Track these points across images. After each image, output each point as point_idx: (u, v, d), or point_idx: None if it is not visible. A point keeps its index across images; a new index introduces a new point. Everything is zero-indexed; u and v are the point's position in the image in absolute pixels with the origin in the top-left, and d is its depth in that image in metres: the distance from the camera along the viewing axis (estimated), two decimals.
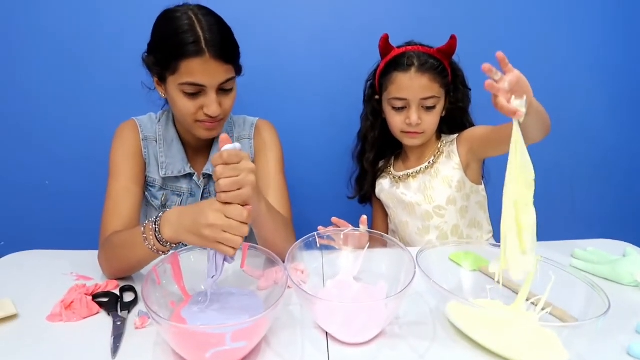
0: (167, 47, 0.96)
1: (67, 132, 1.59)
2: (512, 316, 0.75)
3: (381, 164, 1.41)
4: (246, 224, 0.75)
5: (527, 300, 0.77)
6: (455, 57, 1.26)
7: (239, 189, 0.75)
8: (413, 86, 1.17)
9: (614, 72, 1.70)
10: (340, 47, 1.59)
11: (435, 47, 1.21)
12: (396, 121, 1.23)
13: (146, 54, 1.03)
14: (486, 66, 0.73)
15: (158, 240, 0.83)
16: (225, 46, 0.97)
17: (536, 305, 0.77)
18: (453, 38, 1.17)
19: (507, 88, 0.73)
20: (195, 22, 0.95)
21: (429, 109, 1.20)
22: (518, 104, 0.73)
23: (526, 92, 0.76)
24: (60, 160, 1.61)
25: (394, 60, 1.21)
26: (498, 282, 0.87)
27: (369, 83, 1.34)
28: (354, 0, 1.57)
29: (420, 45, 1.23)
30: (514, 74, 0.74)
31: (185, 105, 1.00)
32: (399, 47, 1.23)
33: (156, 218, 0.83)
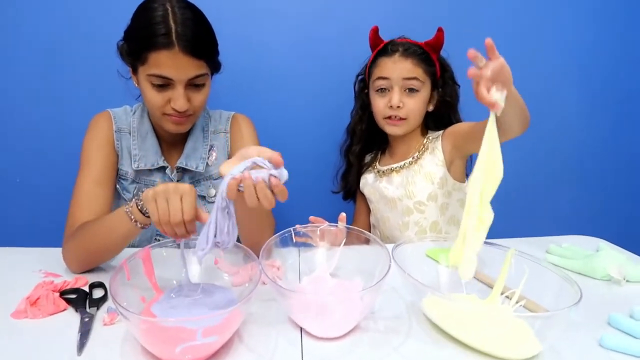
0: (138, 37, 0.96)
1: (40, 126, 1.54)
2: (486, 309, 0.75)
3: (367, 158, 1.42)
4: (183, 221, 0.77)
5: (502, 294, 0.77)
6: (444, 54, 1.29)
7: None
8: (396, 67, 1.21)
9: (589, 72, 1.73)
10: (327, 45, 1.59)
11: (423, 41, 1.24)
12: (379, 105, 1.25)
13: (121, 42, 1.02)
14: (471, 52, 0.73)
15: (137, 202, 0.82)
16: (197, 41, 0.95)
17: (510, 299, 0.77)
18: (440, 30, 1.20)
19: (489, 75, 0.72)
20: (170, 14, 0.93)
21: (412, 92, 1.21)
22: (498, 97, 0.72)
23: (508, 81, 0.76)
24: (32, 156, 1.56)
25: (381, 49, 1.26)
26: (473, 277, 0.88)
27: (359, 77, 1.37)
28: None
29: (410, 39, 1.26)
30: (498, 61, 0.73)
31: (153, 97, 0.98)
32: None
33: (138, 193, 0.84)
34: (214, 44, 1.03)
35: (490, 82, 0.73)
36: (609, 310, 0.78)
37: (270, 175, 0.73)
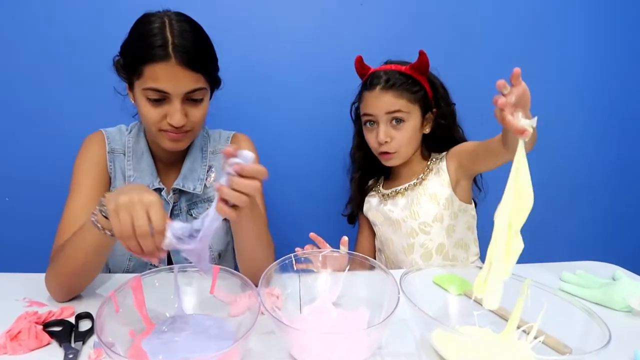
0: (134, 50, 0.92)
1: (32, 146, 1.49)
2: (504, 347, 0.70)
3: (370, 182, 1.40)
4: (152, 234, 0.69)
5: (518, 327, 0.72)
6: (435, 72, 1.26)
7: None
8: (378, 103, 1.19)
9: (599, 93, 1.69)
10: (324, 60, 1.56)
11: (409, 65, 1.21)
12: (369, 139, 1.26)
13: (117, 57, 0.98)
14: (500, 82, 0.70)
15: (101, 210, 0.76)
16: (195, 53, 0.92)
17: (527, 334, 0.71)
18: (421, 54, 1.17)
19: (514, 101, 0.70)
20: (167, 26, 0.90)
21: (397, 123, 1.19)
22: (526, 123, 0.69)
23: (527, 104, 0.74)
24: (23, 176, 1.51)
25: (365, 83, 1.25)
26: (486, 308, 0.83)
27: (354, 105, 1.36)
28: (339, 13, 1.53)
29: (397, 63, 1.24)
30: (521, 87, 0.72)
31: (148, 113, 0.94)
32: (375, 68, 1.25)
33: (101, 200, 0.77)
34: (213, 57, 0.99)
35: (513, 107, 0.71)
36: (633, 345, 0.72)
37: (233, 166, 0.70)
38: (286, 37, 1.53)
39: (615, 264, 1.07)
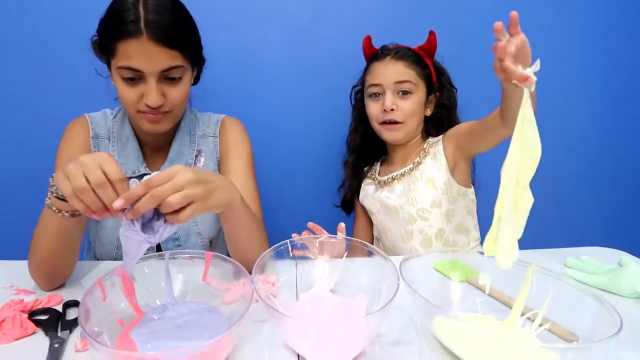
0: (107, 27, 0.89)
1: (14, 131, 1.46)
2: (508, 334, 0.67)
3: (365, 169, 1.37)
4: (110, 182, 0.63)
5: (522, 314, 0.69)
6: (439, 58, 1.26)
7: (188, 205, 0.66)
8: (387, 71, 1.18)
9: (598, 84, 1.66)
10: (321, 48, 1.52)
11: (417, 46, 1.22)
12: (373, 110, 1.22)
13: (95, 36, 0.94)
14: (498, 25, 0.67)
15: (51, 191, 0.73)
16: (170, 29, 0.87)
17: (532, 321, 0.69)
18: (431, 33, 1.19)
19: (514, 51, 0.67)
20: (141, 1, 0.86)
21: (405, 94, 1.18)
22: (528, 71, 0.65)
23: (527, 59, 0.71)
24: (6, 162, 1.48)
25: (373, 56, 1.24)
26: (489, 294, 0.80)
27: (355, 89, 1.35)
28: (336, 1, 1.49)
29: (402, 45, 1.23)
30: (520, 37, 0.69)
31: (124, 93, 0.91)
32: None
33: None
34: (191, 34, 0.95)
35: (513, 59, 0.67)
36: None
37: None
38: (282, 22, 1.49)
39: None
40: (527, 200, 0.65)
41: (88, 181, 0.62)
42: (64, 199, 0.72)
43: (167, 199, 0.63)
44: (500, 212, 0.66)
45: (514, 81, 0.67)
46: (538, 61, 0.66)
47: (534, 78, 0.65)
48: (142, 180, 0.65)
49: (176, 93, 0.93)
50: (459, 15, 1.52)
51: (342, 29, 1.50)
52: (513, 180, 0.65)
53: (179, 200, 0.64)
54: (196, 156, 1.07)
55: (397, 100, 1.17)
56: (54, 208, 0.75)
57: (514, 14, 0.67)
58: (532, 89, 0.65)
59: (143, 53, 0.85)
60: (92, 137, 1.03)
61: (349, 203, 1.41)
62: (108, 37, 0.88)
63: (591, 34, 1.61)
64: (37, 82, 1.43)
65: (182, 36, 0.90)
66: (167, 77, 0.90)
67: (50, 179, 0.73)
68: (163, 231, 0.67)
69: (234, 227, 0.86)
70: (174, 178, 0.65)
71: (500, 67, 0.68)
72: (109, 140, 1.04)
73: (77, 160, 0.64)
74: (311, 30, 1.50)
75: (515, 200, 0.66)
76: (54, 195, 0.73)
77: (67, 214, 0.75)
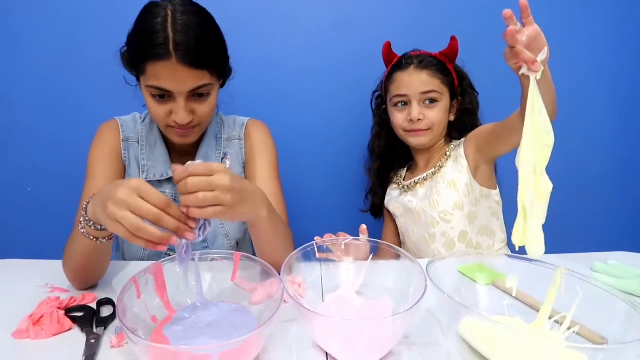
0: (136, 46, 0.90)
1: (51, 135, 1.51)
2: (537, 336, 0.67)
3: (391, 174, 1.38)
4: (162, 210, 0.64)
5: (550, 318, 0.69)
6: (460, 63, 1.26)
7: (214, 206, 0.67)
8: (412, 81, 1.18)
9: (624, 83, 1.64)
10: (342, 50, 1.53)
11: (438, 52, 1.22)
12: (398, 119, 1.23)
13: (124, 48, 0.96)
14: (507, 12, 0.67)
15: (86, 222, 0.74)
16: (198, 50, 0.87)
17: (561, 324, 0.68)
18: (453, 39, 1.20)
19: (525, 42, 0.67)
20: (169, 20, 0.85)
21: (431, 103, 1.18)
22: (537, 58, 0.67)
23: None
24: (44, 165, 1.52)
25: (395, 64, 1.24)
26: (515, 297, 0.80)
27: (376, 94, 1.35)
28: (356, 3, 1.51)
29: (423, 51, 1.24)
30: (534, 28, 0.69)
31: (154, 109, 0.93)
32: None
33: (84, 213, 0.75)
34: (220, 51, 0.95)
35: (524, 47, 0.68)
36: None
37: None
38: (303, 25, 1.51)
39: None
40: (547, 185, 0.67)
41: (141, 217, 0.63)
42: (100, 229, 0.74)
43: (197, 193, 0.65)
44: (523, 202, 0.68)
45: (521, 71, 0.68)
46: (546, 49, 0.68)
47: (541, 65, 0.66)
48: (185, 165, 0.67)
49: (204, 109, 0.95)
50: (480, 18, 1.52)
51: (363, 32, 1.51)
52: (531, 168, 0.67)
53: (207, 200, 0.66)
54: (222, 159, 1.09)
55: (424, 110, 1.19)
56: (91, 237, 0.76)
57: (524, 2, 0.67)
58: (539, 76, 0.66)
59: (172, 75, 0.86)
60: (123, 140, 1.06)
61: (378, 208, 1.42)
62: (137, 56, 0.89)
63: (607, 35, 1.60)
64: (67, 83, 1.48)
65: (210, 55, 0.91)
66: (195, 94, 0.92)
67: (85, 207, 0.74)
68: (202, 232, 0.69)
69: (259, 235, 0.87)
70: (213, 176, 0.66)
71: (511, 54, 0.68)
72: (138, 143, 1.07)
73: (115, 198, 0.63)
74: (332, 32, 1.52)
75: (536, 187, 0.67)
76: (89, 225, 0.74)
77: (104, 240, 0.77)
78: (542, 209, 0.67)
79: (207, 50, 0.90)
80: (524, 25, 0.70)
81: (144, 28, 0.88)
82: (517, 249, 0.72)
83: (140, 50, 0.88)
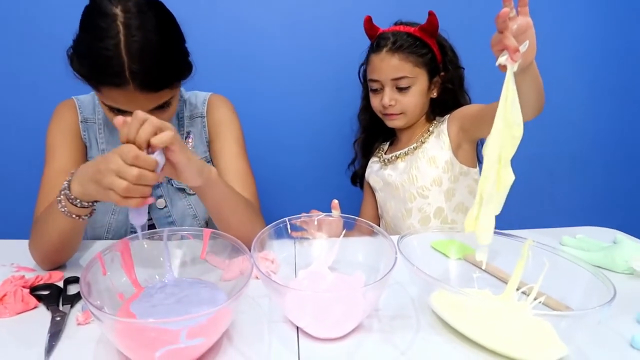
0: (88, 66, 0.80)
1: (9, 113, 1.47)
2: (504, 306, 0.68)
3: (374, 147, 1.38)
4: (152, 171, 0.66)
5: (518, 289, 0.70)
6: (444, 35, 1.22)
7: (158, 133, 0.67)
8: (383, 67, 1.17)
9: (594, 64, 1.67)
10: (325, 28, 1.52)
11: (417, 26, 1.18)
12: (374, 102, 1.24)
13: (71, 51, 0.84)
14: None
15: (69, 200, 0.73)
16: (158, 74, 0.80)
17: (528, 295, 0.70)
18: (431, 14, 1.14)
19: (515, 31, 0.67)
20: (122, 41, 0.76)
21: (403, 89, 1.18)
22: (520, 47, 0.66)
23: (531, 53, 0.73)
24: (4, 144, 1.48)
25: (372, 43, 1.22)
26: (485, 270, 0.81)
27: (362, 67, 1.32)
28: None
29: (406, 24, 1.20)
30: (526, 20, 0.69)
31: (111, 118, 0.86)
32: (384, 30, 1.22)
33: (65, 191, 0.74)
34: (179, 62, 0.86)
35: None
36: (636, 307, 0.71)
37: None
38: (283, 7, 1.48)
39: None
40: (508, 177, 0.67)
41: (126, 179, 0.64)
42: (82, 206, 0.74)
43: (143, 125, 0.67)
44: (482, 190, 0.69)
45: (500, 59, 0.67)
46: (527, 42, 0.68)
47: (521, 55, 0.66)
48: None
49: (165, 116, 0.88)
50: None
51: (344, 10, 1.49)
52: (496, 158, 0.67)
53: (154, 124, 0.67)
54: (185, 138, 1.06)
55: (396, 95, 1.18)
56: (73, 215, 0.75)
57: None
58: (515, 68, 0.66)
59: (130, 100, 0.80)
60: (81, 122, 1.01)
61: (356, 178, 1.44)
62: (89, 75, 0.81)
63: (592, 10, 1.62)
64: (26, 64, 1.43)
65: (171, 74, 0.84)
66: (155, 108, 0.86)
67: (67, 186, 0.73)
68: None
69: (217, 202, 0.85)
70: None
71: (497, 39, 0.68)
72: (97, 125, 1.03)
73: (99, 169, 0.66)
74: (313, 8, 1.50)
75: (498, 176, 0.67)
76: (70, 201, 0.73)
77: (86, 218, 0.76)
78: (500, 200, 0.68)
79: (168, 70, 0.83)
80: (518, 13, 0.69)
81: (94, 48, 0.77)
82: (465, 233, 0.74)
83: (93, 73, 0.80)
